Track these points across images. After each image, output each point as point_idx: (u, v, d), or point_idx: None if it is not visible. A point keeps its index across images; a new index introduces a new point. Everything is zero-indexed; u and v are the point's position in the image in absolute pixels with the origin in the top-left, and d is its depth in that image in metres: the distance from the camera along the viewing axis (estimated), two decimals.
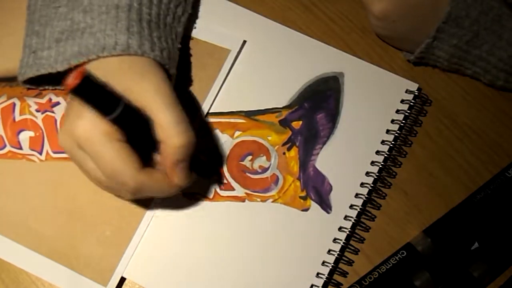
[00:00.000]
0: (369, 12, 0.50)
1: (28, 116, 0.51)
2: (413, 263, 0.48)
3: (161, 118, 0.41)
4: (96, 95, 0.38)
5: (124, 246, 0.48)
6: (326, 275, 0.48)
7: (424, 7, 0.48)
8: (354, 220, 0.49)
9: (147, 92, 0.41)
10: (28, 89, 0.50)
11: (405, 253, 0.48)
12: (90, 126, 0.40)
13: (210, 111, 0.52)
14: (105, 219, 0.49)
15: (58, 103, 0.51)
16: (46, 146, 0.51)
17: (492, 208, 0.49)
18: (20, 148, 0.51)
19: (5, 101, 0.52)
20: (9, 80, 0.52)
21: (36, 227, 0.49)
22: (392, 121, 0.51)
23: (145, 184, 0.41)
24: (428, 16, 0.48)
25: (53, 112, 0.51)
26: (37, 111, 0.51)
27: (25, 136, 0.51)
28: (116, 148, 0.40)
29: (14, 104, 0.52)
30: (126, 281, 0.48)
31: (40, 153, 0.51)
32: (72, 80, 0.35)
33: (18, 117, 0.51)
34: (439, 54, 0.50)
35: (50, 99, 0.52)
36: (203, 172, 0.49)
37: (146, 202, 0.49)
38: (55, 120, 0.51)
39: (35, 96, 0.52)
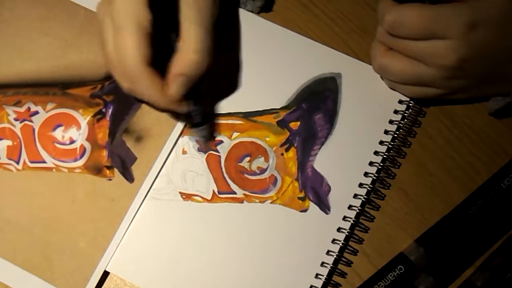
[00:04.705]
0: (438, 65, 0.45)
1: (6, 125, 0.51)
2: (409, 275, 0.47)
3: (188, 29, 0.43)
4: None
5: (98, 258, 0.48)
6: (325, 276, 0.48)
7: (500, 51, 0.45)
8: (353, 220, 0.49)
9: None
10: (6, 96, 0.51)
11: (403, 269, 0.47)
12: (129, 2, 0.42)
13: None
14: (80, 230, 0.49)
15: (36, 112, 0.51)
16: (24, 156, 0.51)
17: (486, 220, 0.48)
18: None
19: None
20: None
21: (11, 237, 0.49)
22: (391, 122, 0.51)
23: (142, 78, 0.43)
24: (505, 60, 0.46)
25: (31, 121, 0.51)
26: (16, 120, 0.51)
27: (2, 145, 0.51)
28: (140, 32, 0.42)
29: None
30: None
31: (17, 162, 0.51)
32: None
33: None
34: None
35: (29, 108, 0.51)
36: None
37: (121, 213, 0.49)
38: (33, 130, 0.51)
39: (14, 105, 0.52)
